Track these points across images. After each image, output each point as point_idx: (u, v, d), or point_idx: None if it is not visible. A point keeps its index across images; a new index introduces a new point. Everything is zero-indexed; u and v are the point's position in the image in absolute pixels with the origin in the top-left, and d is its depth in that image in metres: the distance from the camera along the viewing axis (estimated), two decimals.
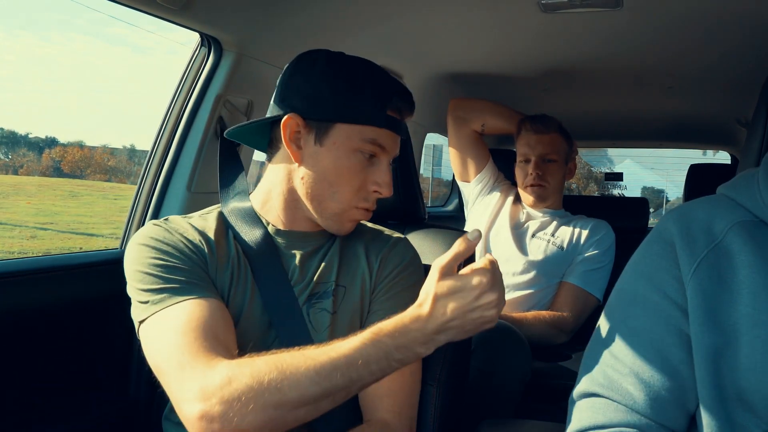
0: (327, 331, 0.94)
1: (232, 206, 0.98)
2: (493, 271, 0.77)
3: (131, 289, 0.86)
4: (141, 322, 0.83)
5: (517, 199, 2.12)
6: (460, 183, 2.23)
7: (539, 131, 1.96)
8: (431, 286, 0.76)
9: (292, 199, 0.96)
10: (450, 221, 3.08)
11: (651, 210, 2.72)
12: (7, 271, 1.05)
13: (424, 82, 2.15)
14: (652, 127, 2.92)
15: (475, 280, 0.75)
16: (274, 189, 0.97)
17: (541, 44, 1.79)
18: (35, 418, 1.06)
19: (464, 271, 0.77)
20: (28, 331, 1.06)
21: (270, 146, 0.99)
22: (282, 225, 0.97)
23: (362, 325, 0.97)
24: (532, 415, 1.61)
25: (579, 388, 0.73)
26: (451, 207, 3.32)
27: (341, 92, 0.91)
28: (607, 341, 0.73)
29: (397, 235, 1.06)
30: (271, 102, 0.96)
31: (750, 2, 1.34)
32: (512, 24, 1.64)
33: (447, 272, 0.76)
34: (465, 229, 2.06)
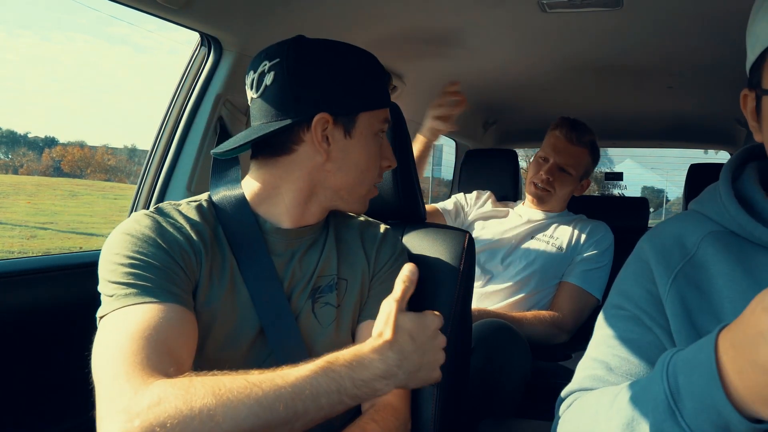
0: (332, 326, 0.93)
1: (222, 194, 0.94)
2: (439, 323, 0.76)
3: (100, 282, 0.80)
4: (101, 318, 0.77)
5: (511, 197, 2.11)
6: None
7: (570, 140, 1.94)
8: (390, 316, 0.72)
9: (309, 194, 0.94)
10: None
11: (651, 210, 2.72)
12: (7, 271, 1.05)
13: (424, 83, 2.15)
14: (653, 126, 2.93)
15: (431, 317, 0.75)
16: (285, 186, 0.93)
17: (541, 44, 1.79)
18: (35, 417, 1.06)
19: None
20: (28, 331, 1.06)
21: (275, 148, 0.92)
22: (289, 222, 0.94)
23: (359, 317, 0.97)
24: (532, 415, 1.61)
25: (567, 388, 0.75)
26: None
27: (361, 81, 0.92)
28: (593, 351, 0.74)
29: (383, 225, 1.07)
30: (269, 103, 0.90)
31: (750, 2, 1.33)
32: (512, 24, 1.64)
33: (402, 308, 0.73)
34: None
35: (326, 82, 0.89)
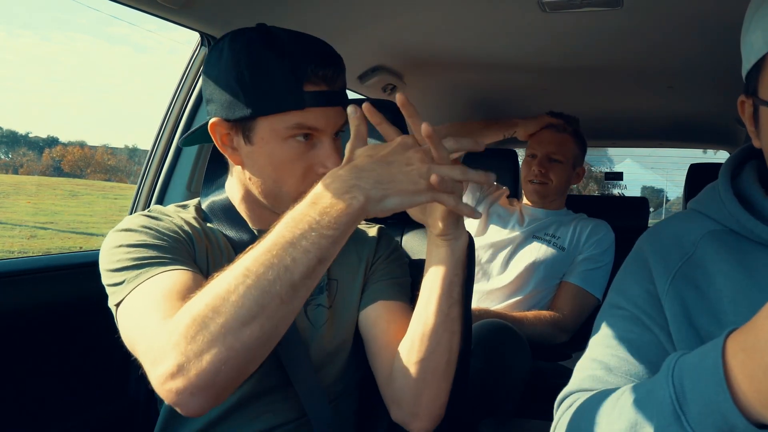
0: (324, 327, 0.93)
1: (211, 200, 0.95)
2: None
3: (105, 277, 0.80)
4: (118, 305, 0.77)
5: (513, 196, 2.12)
6: None
7: (552, 130, 1.97)
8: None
9: (252, 200, 0.93)
10: None
11: (651, 210, 2.72)
12: (7, 271, 1.05)
13: (424, 83, 2.15)
14: (652, 126, 2.93)
15: (395, 138, 0.73)
16: (235, 194, 0.94)
17: (541, 44, 1.79)
18: (35, 417, 1.06)
19: None
20: (28, 330, 1.06)
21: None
22: (259, 225, 0.94)
23: (363, 303, 0.97)
24: (532, 415, 1.61)
25: (566, 389, 0.74)
26: None
27: (248, 84, 0.82)
28: (593, 351, 0.74)
29: (377, 225, 1.06)
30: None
31: (750, 2, 1.33)
32: (512, 24, 1.64)
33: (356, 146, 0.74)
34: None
35: (216, 84, 0.85)
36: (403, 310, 0.94)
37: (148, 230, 0.83)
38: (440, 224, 0.80)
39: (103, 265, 0.82)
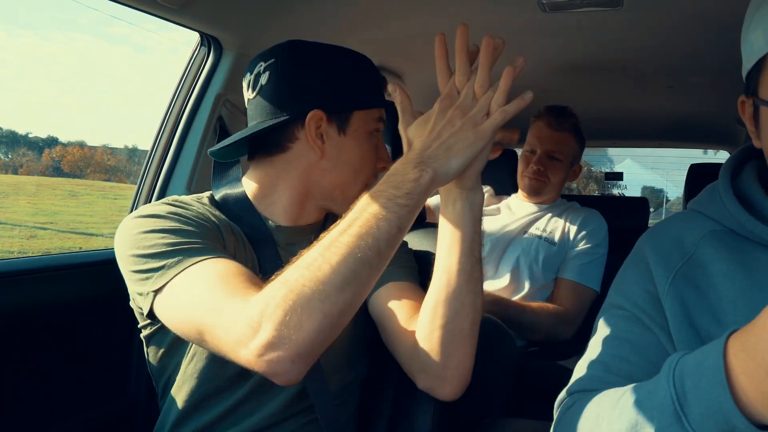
0: None
1: (224, 192, 0.96)
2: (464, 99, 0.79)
3: (132, 263, 0.80)
4: (157, 291, 0.77)
5: (502, 192, 2.10)
6: None
7: (553, 127, 1.93)
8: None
9: (305, 193, 0.95)
10: None
11: (651, 210, 2.72)
12: (7, 271, 1.05)
13: (424, 83, 2.15)
14: (653, 126, 2.93)
15: (436, 105, 0.79)
16: (281, 185, 0.95)
17: (541, 44, 1.79)
18: (34, 417, 1.06)
19: None
20: (28, 330, 1.06)
21: (271, 147, 0.94)
22: (286, 220, 0.96)
23: (366, 302, 0.98)
24: (532, 415, 1.61)
25: (566, 389, 0.74)
26: None
27: (354, 81, 0.93)
28: (593, 351, 0.74)
29: None
30: (265, 102, 0.92)
31: (750, 2, 1.33)
32: (512, 24, 1.64)
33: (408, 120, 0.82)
34: None
35: (319, 81, 0.91)
36: (413, 289, 0.97)
37: (179, 217, 0.83)
38: (466, 175, 0.80)
39: (129, 250, 0.81)
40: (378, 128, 0.96)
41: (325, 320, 0.67)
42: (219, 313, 0.71)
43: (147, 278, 0.78)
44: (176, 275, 0.76)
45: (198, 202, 0.93)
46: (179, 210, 0.85)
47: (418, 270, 1.04)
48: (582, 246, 1.86)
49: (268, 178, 0.96)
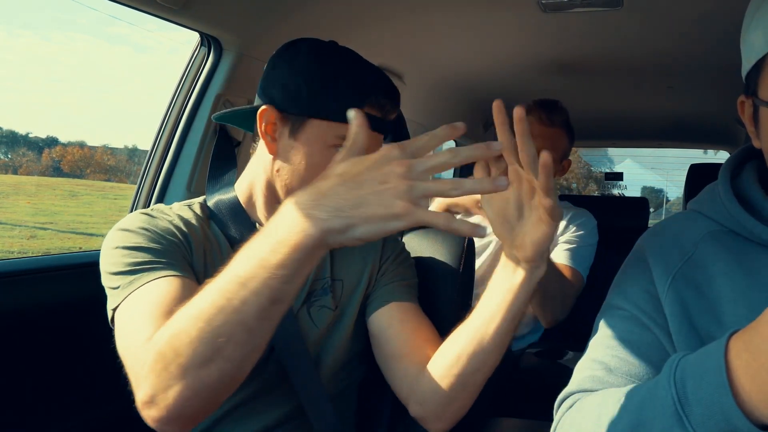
0: (327, 328, 0.93)
1: (217, 198, 0.96)
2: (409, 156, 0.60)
3: (104, 279, 0.81)
4: (114, 310, 0.78)
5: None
6: None
7: (544, 123, 1.86)
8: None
9: (271, 194, 0.94)
10: None
11: (651, 210, 2.72)
12: (7, 271, 1.05)
13: (424, 83, 2.15)
14: (653, 126, 2.93)
15: (379, 150, 0.60)
16: (256, 182, 0.95)
17: (541, 44, 1.79)
18: (34, 417, 1.06)
19: None
20: (28, 330, 1.06)
21: (254, 136, 0.95)
22: (266, 221, 0.95)
23: (365, 314, 0.97)
24: (532, 415, 1.61)
25: (566, 390, 0.74)
26: None
27: (316, 87, 0.87)
28: (593, 351, 0.74)
29: None
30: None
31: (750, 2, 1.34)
32: (512, 24, 1.64)
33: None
34: None
35: (282, 78, 0.89)
36: (415, 311, 0.96)
37: (145, 232, 0.84)
38: (530, 249, 0.71)
39: (103, 266, 0.83)
40: (338, 144, 0.87)
41: (190, 392, 0.63)
42: (128, 354, 0.71)
43: (110, 296, 0.81)
44: (126, 297, 0.77)
45: (185, 208, 0.93)
46: (149, 224, 0.85)
47: (418, 283, 1.03)
48: (570, 234, 1.81)
49: (249, 171, 0.97)
